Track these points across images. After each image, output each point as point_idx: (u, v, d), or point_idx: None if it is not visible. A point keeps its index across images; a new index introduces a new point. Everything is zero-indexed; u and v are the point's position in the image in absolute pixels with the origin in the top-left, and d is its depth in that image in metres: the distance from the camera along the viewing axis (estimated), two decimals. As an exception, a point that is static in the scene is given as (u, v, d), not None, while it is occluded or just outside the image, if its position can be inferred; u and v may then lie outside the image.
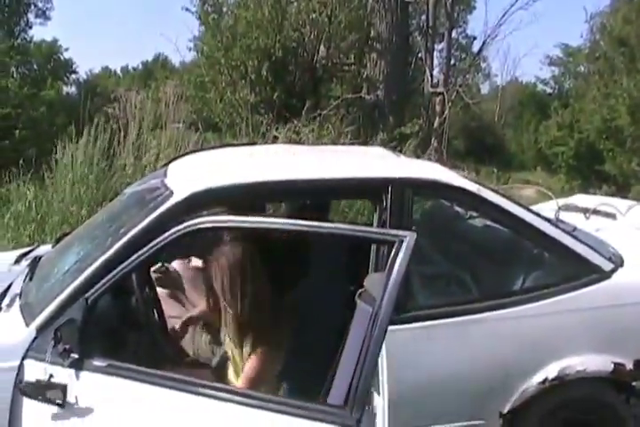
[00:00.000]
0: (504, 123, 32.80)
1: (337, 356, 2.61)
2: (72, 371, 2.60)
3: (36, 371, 2.62)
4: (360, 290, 2.53)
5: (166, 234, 2.66)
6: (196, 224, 2.65)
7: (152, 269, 3.80)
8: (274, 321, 3.14)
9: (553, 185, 18.87)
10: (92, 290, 2.71)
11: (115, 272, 2.73)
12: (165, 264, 4.03)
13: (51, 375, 2.56)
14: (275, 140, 9.48)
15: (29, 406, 2.62)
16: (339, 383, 2.45)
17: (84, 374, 2.61)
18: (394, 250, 2.35)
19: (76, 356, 2.60)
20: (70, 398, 2.57)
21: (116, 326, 3.06)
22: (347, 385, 2.34)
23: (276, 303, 3.17)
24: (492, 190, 3.47)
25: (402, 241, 2.35)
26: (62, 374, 2.59)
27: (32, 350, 2.70)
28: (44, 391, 2.56)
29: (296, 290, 3.52)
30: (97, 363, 2.63)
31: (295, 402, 2.42)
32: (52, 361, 2.59)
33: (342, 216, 7.47)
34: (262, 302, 3.10)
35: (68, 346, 2.60)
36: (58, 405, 2.56)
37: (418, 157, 9.12)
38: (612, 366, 3.27)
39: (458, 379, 3.12)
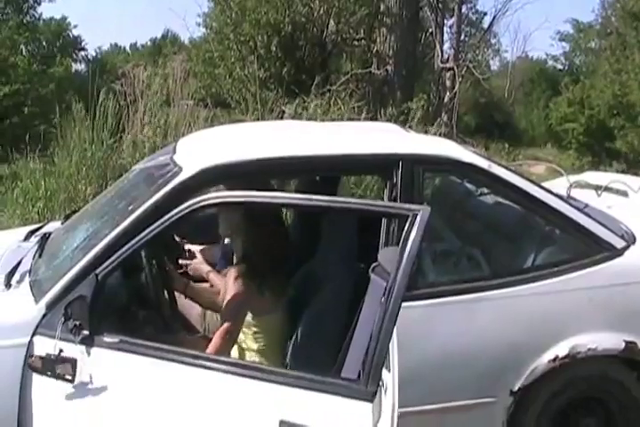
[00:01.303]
0: (514, 99, 32.56)
1: (349, 331, 2.60)
2: (83, 347, 2.59)
3: (46, 347, 2.61)
4: (373, 264, 2.51)
5: (176, 210, 2.64)
6: (205, 200, 2.62)
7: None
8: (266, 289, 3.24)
9: (563, 162, 18.76)
10: (102, 266, 2.70)
11: (124, 249, 2.71)
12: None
13: (60, 351, 2.55)
14: (280, 115, 9.43)
15: (40, 383, 2.62)
16: (352, 357, 2.41)
17: (94, 350, 2.60)
18: (407, 224, 2.32)
19: (86, 332, 2.59)
20: (81, 375, 2.56)
21: (125, 303, 3.06)
22: (361, 359, 2.31)
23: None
24: (503, 167, 3.44)
25: (415, 215, 2.32)
26: (73, 350, 2.58)
27: (42, 327, 2.70)
28: (54, 367, 2.56)
29: (304, 266, 3.52)
30: (108, 339, 2.62)
31: (309, 376, 2.38)
32: (63, 338, 2.57)
33: (350, 193, 7.43)
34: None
35: (78, 322, 2.58)
36: (67, 380, 2.55)
37: (426, 131, 9.07)
38: (624, 344, 3.26)
39: (468, 357, 3.12)
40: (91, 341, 2.60)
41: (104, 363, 2.61)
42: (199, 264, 3.86)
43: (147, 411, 2.55)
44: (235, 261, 3.49)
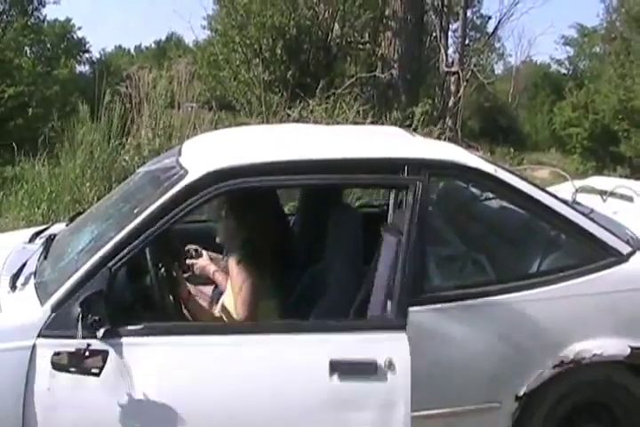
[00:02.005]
0: (518, 103, 32.54)
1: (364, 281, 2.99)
2: (106, 341, 2.64)
3: (53, 349, 2.64)
4: (383, 226, 2.93)
5: (187, 202, 2.81)
6: (213, 191, 2.84)
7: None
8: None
9: (567, 166, 18.72)
10: (114, 260, 2.76)
11: (130, 248, 2.78)
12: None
13: (88, 345, 2.60)
14: (283, 118, 9.44)
15: (45, 385, 2.64)
16: (376, 299, 2.90)
17: (119, 341, 2.68)
18: (411, 191, 2.82)
19: (107, 326, 2.62)
20: (109, 367, 2.62)
21: (130, 305, 3.06)
22: (383, 300, 2.82)
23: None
24: (509, 171, 3.43)
25: (417, 183, 2.81)
26: (97, 345, 2.63)
27: (47, 329, 2.71)
28: (80, 363, 2.59)
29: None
30: (132, 327, 2.71)
31: (343, 321, 2.90)
32: (84, 335, 2.61)
33: (355, 197, 7.42)
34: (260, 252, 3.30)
35: (97, 317, 2.61)
36: (94, 374, 2.59)
37: (430, 135, 9.08)
38: (629, 349, 3.24)
39: (473, 362, 3.10)
40: (113, 333, 2.66)
41: (134, 351, 2.69)
42: (206, 264, 3.87)
43: (204, 386, 2.70)
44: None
